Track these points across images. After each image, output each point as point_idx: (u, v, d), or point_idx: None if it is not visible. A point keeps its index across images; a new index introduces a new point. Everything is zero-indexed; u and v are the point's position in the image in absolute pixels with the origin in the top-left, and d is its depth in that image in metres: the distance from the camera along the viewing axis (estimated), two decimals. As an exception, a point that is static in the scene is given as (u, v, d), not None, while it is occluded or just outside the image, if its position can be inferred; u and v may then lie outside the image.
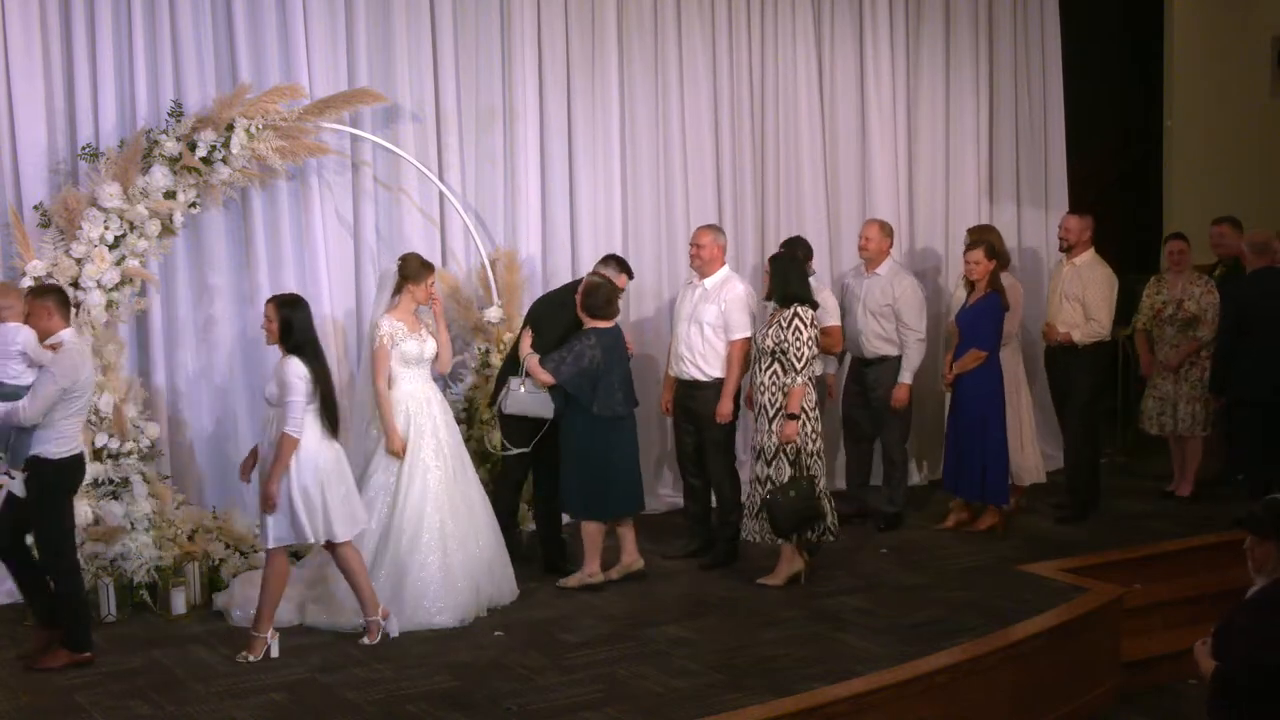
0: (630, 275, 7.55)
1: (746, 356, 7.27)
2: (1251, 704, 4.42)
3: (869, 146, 9.38)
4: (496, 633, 6.46)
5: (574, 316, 7.08)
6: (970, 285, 7.97)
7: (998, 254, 7.95)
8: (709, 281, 7.43)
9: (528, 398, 7.02)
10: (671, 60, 8.71)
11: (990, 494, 7.95)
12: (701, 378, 7.37)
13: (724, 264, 7.52)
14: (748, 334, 7.29)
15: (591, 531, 7.02)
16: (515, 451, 7.21)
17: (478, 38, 8.10)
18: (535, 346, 7.04)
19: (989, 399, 7.86)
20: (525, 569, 7.19)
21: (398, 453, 6.63)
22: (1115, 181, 12.00)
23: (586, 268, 8.38)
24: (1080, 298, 8.19)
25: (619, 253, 7.96)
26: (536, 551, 7.46)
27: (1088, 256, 8.33)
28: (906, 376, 8.05)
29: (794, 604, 6.81)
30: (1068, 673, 6.42)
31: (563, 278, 8.27)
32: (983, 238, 8.17)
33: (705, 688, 5.70)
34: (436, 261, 7.96)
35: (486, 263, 7.93)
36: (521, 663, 6.05)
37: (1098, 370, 8.38)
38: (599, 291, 6.98)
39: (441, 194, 7.97)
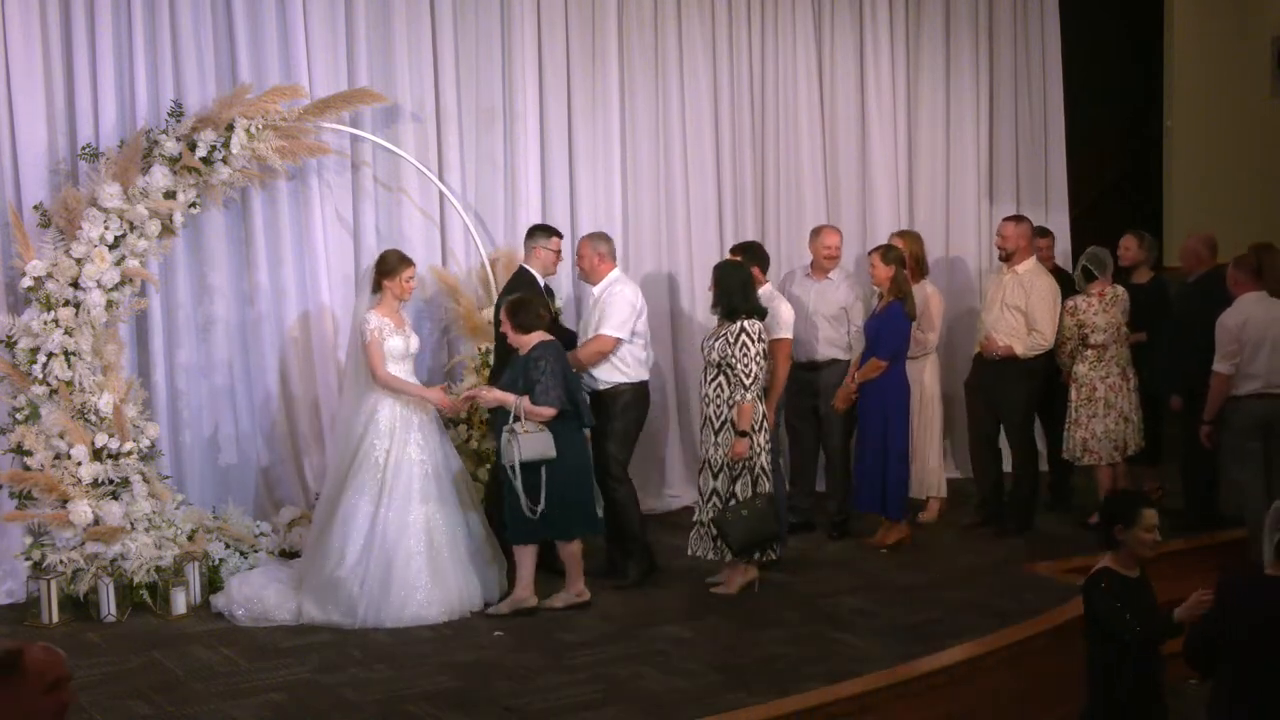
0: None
1: (600, 354, 6.99)
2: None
3: (869, 146, 9.38)
4: (496, 633, 6.45)
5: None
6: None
7: (900, 260, 7.58)
8: (597, 289, 7.18)
9: (530, 440, 6.49)
10: (671, 60, 8.71)
11: (890, 508, 7.63)
12: (600, 387, 7.06)
13: (613, 267, 7.23)
14: (615, 334, 6.97)
15: (574, 551, 6.77)
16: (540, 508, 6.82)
17: (478, 38, 8.11)
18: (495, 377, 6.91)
19: (892, 410, 7.54)
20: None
21: (442, 403, 6.82)
22: (1115, 182, 12.01)
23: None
24: (1023, 307, 7.77)
25: (618, 251, 7.88)
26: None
27: (1030, 264, 7.92)
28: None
29: (794, 604, 6.80)
30: (1068, 673, 6.42)
31: (563, 276, 8.27)
32: (895, 244, 7.86)
33: (705, 688, 5.69)
34: (436, 261, 7.97)
35: (487, 263, 7.93)
36: (521, 663, 6.04)
37: (1033, 383, 7.91)
38: (530, 307, 6.66)
39: (441, 194, 7.97)
